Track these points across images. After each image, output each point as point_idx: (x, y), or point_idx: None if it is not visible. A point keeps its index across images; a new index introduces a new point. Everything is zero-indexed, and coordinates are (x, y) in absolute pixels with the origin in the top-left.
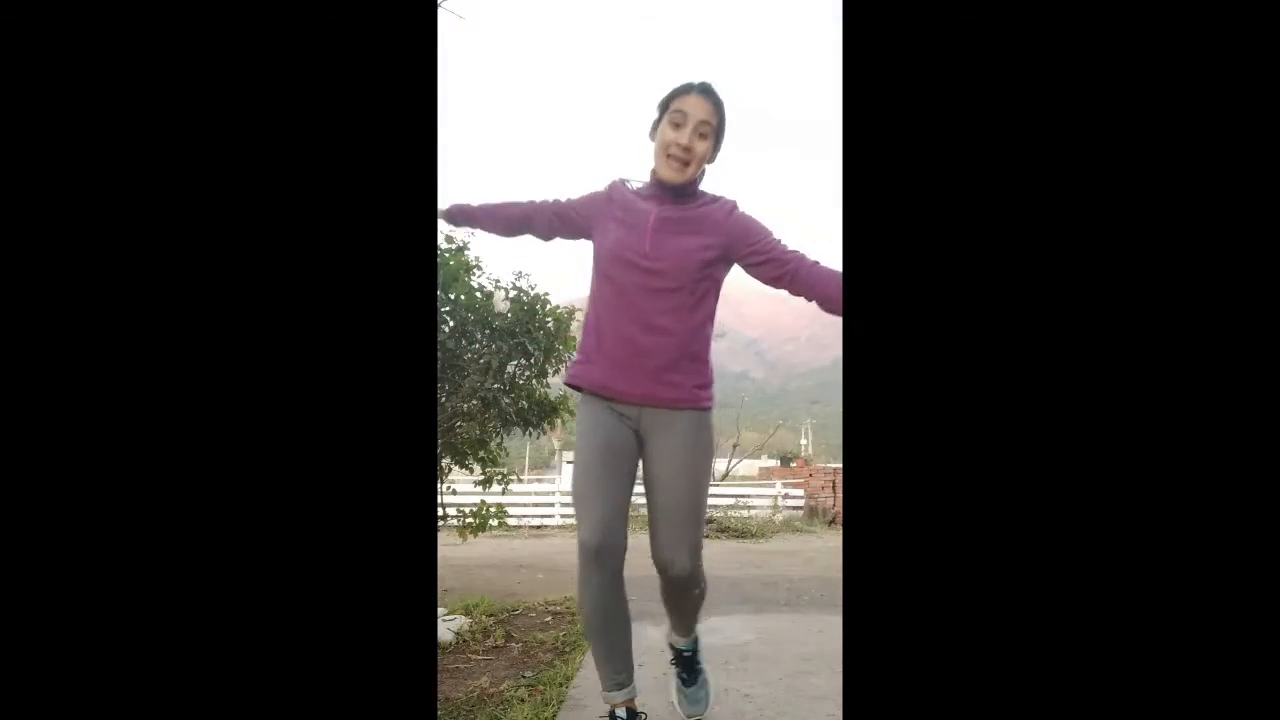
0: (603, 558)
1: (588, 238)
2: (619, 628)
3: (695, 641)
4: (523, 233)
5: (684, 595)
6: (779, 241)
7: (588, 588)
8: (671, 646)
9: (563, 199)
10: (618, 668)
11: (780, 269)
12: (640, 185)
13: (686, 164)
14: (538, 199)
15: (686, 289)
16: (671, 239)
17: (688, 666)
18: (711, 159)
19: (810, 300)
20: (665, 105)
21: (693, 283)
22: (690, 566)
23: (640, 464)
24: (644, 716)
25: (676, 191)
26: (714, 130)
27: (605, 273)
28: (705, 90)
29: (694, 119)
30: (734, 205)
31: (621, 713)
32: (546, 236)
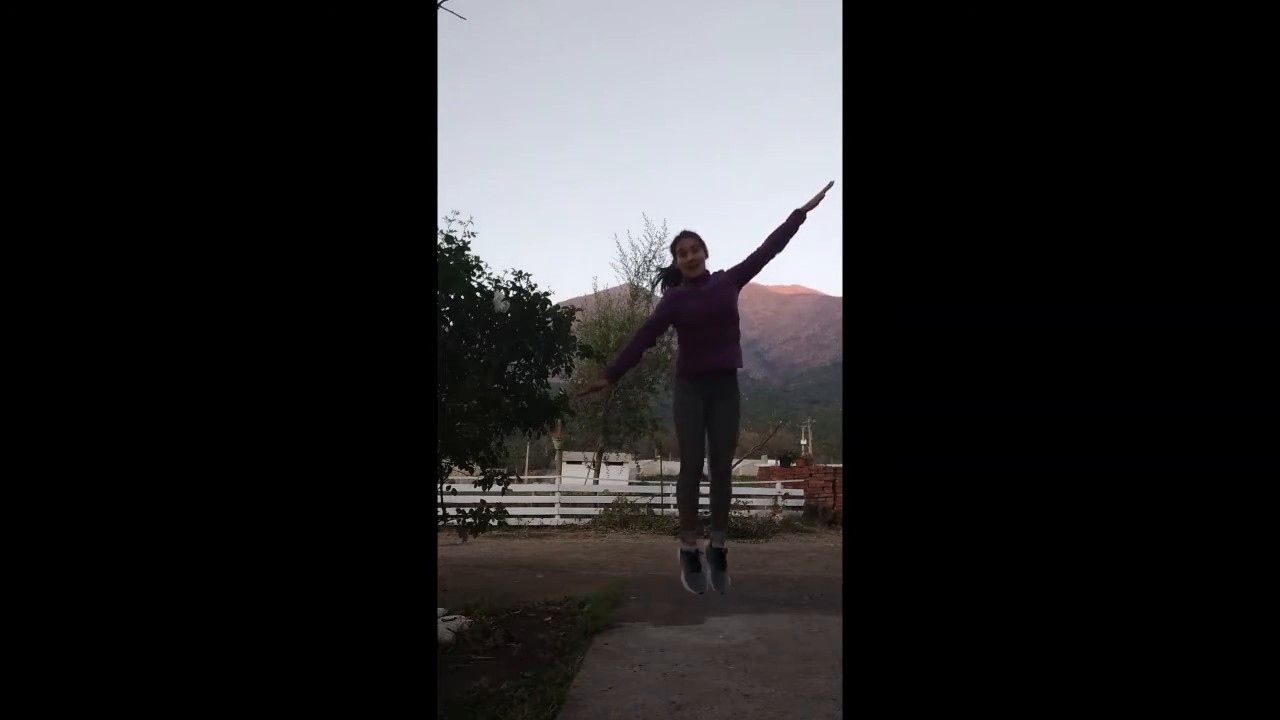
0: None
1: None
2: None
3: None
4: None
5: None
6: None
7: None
8: (713, 547)
9: (648, 319)
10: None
11: (752, 263)
12: (681, 285)
13: (696, 267)
14: (641, 327)
15: (725, 318)
16: (709, 303)
17: (720, 561)
18: (708, 256)
19: (775, 251)
20: (672, 248)
21: (724, 315)
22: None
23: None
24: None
25: (699, 281)
26: (702, 245)
27: (688, 326)
28: (688, 234)
29: (689, 247)
30: (721, 272)
31: (689, 549)
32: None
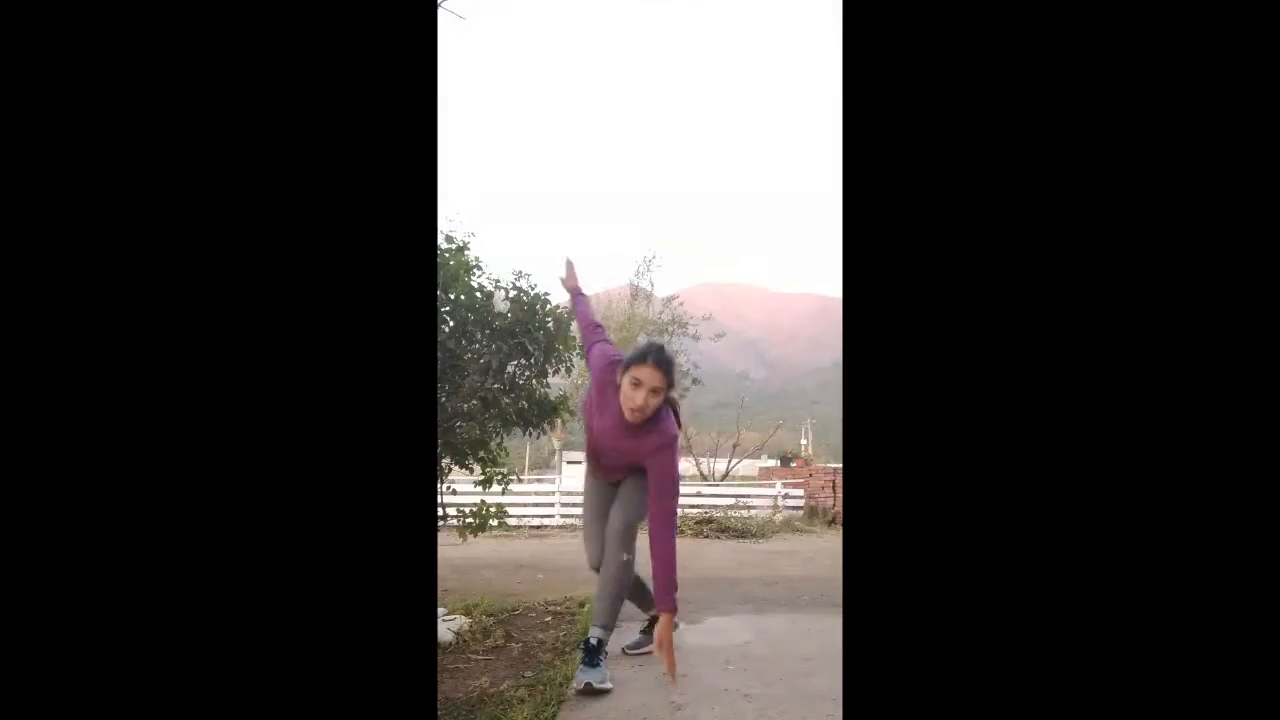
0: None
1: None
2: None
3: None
4: (587, 328)
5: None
6: (667, 497)
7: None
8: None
9: (608, 346)
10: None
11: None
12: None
13: (640, 413)
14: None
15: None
16: (624, 454)
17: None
18: (669, 396)
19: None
20: (627, 367)
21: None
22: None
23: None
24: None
25: (634, 426)
26: (664, 388)
27: (592, 442)
28: (657, 360)
29: (647, 386)
30: (670, 441)
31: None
32: (586, 344)
